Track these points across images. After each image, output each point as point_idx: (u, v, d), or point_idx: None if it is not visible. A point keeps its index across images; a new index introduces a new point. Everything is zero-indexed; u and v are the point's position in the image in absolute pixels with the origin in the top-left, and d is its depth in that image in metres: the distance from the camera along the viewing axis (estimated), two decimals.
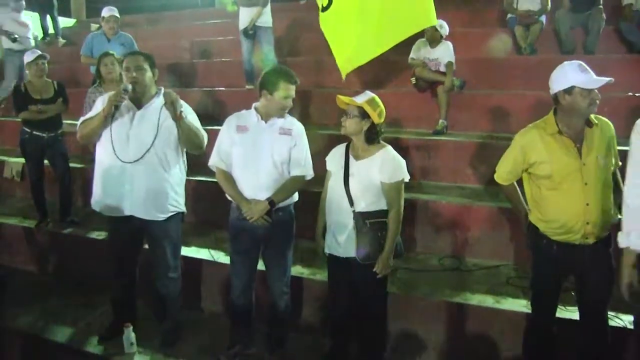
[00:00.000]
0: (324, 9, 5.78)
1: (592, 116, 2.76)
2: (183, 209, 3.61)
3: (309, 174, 3.30)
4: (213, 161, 3.32)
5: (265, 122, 3.22)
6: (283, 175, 3.22)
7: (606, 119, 2.84)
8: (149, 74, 3.40)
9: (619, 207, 2.69)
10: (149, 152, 3.33)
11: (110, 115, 3.30)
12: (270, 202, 3.14)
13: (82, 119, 3.50)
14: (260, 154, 3.18)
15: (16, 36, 7.40)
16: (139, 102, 3.40)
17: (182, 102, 3.47)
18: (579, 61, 2.74)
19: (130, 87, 3.30)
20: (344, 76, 5.75)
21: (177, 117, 3.28)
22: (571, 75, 2.68)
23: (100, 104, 3.40)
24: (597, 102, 2.67)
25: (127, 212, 3.42)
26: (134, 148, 3.32)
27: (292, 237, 3.41)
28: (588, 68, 2.68)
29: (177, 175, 3.52)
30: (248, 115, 3.28)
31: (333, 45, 5.71)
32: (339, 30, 5.68)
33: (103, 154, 3.41)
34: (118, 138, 3.33)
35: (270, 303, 3.45)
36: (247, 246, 3.34)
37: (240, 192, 3.21)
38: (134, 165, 3.32)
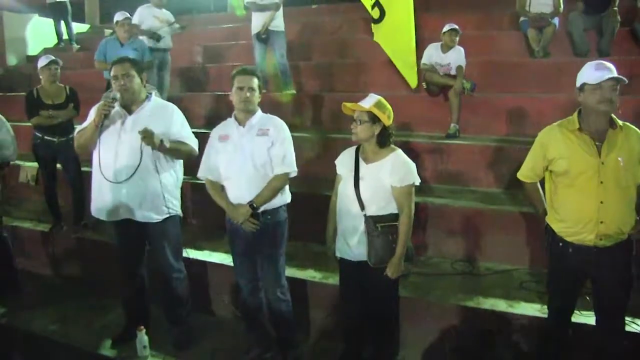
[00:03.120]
0: (376, 20, 5.99)
1: (618, 120, 2.74)
2: (179, 211, 3.64)
3: (292, 170, 3.28)
4: (201, 173, 3.40)
5: (244, 126, 3.25)
6: (267, 176, 3.22)
7: (635, 128, 2.81)
8: (137, 79, 3.44)
9: None
10: (142, 157, 3.36)
11: (100, 125, 3.33)
12: (251, 205, 3.17)
13: (78, 128, 3.56)
14: (241, 159, 3.20)
15: (162, 35, 6.82)
16: (129, 108, 3.45)
17: (170, 106, 3.60)
18: (600, 60, 2.74)
19: (118, 95, 3.35)
20: (413, 86, 5.89)
21: (158, 149, 3.34)
22: (585, 73, 2.72)
23: (93, 113, 3.43)
24: (611, 100, 2.64)
25: (124, 216, 3.46)
26: (128, 154, 3.36)
27: (283, 240, 3.40)
28: (607, 67, 2.66)
29: (171, 177, 3.55)
30: (229, 123, 3.34)
31: (393, 56, 5.87)
32: (397, 41, 5.85)
33: (99, 161, 3.43)
34: (111, 146, 3.37)
35: (270, 308, 3.46)
36: (242, 248, 3.38)
37: (225, 199, 3.28)
38: (128, 170, 3.35)
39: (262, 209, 3.22)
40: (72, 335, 4.01)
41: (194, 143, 3.56)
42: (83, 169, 5.31)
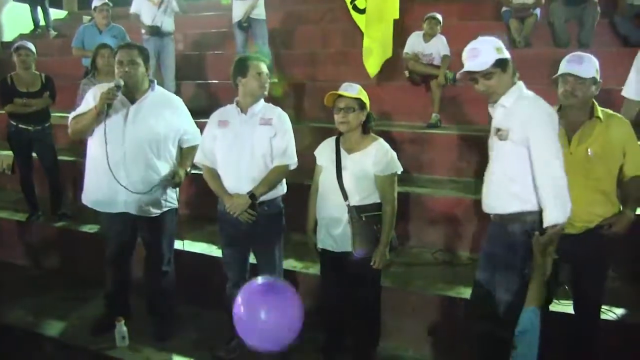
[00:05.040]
0: (361, 10, 6.02)
1: (601, 111, 2.77)
2: (176, 204, 3.60)
3: (293, 162, 3.25)
4: (198, 158, 3.36)
5: (245, 114, 3.20)
6: (266, 166, 3.18)
7: (624, 119, 2.84)
8: (142, 68, 3.35)
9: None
10: (144, 150, 3.32)
11: (103, 113, 3.24)
12: (251, 195, 3.12)
13: (73, 113, 3.46)
14: (241, 147, 3.15)
15: (158, 25, 6.40)
16: (132, 96, 3.35)
17: (176, 98, 3.60)
18: (580, 53, 2.79)
19: (122, 82, 3.25)
20: (372, 75, 5.91)
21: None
22: (561, 62, 2.80)
23: (91, 98, 3.35)
24: (574, 93, 2.72)
25: (122, 209, 3.40)
26: (129, 145, 3.29)
27: (281, 231, 3.38)
28: (577, 59, 2.74)
29: (171, 170, 3.49)
30: (230, 109, 3.27)
31: (366, 47, 5.90)
32: (370, 33, 5.91)
33: (97, 150, 3.36)
34: (112, 135, 3.27)
35: None
36: (234, 239, 3.33)
37: (223, 187, 3.21)
38: (129, 162, 3.30)
39: (259, 200, 3.18)
40: (50, 326, 3.95)
41: (199, 136, 3.54)
42: (59, 157, 5.25)
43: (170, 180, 3.40)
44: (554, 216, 2.46)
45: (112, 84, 3.24)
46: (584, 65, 2.71)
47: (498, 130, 2.63)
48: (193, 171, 4.75)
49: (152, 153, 3.37)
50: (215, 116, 3.30)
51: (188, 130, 3.55)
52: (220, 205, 3.29)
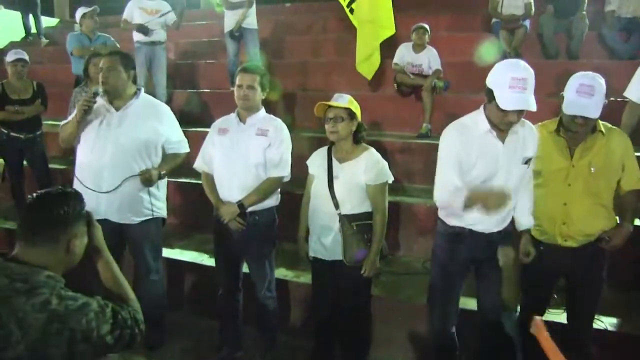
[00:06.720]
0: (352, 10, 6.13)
1: (602, 125, 2.77)
2: (163, 214, 3.58)
3: (286, 174, 3.27)
4: (197, 164, 3.39)
5: (244, 123, 3.23)
6: (259, 177, 3.20)
7: (623, 133, 2.86)
8: (123, 75, 3.33)
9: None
10: (127, 157, 3.31)
11: (83, 120, 3.25)
12: (240, 205, 3.14)
13: (62, 122, 3.47)
14: (236, 156, 3.18)
15: (150, 28, 6.31)
16: (116, 103, 3.35)
17: (162, 105, 3.58)
18: (588, 77, 2.65)
19: (100, 90, 3.26)
20: (369, 78, 5.99)
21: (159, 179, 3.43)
22: (570, 87, 2.68)
23: (75, 108, 3.36)
24: (582, 128, 2.66)
25: (103, 216, 3.36)
26: (114, 151, 3.28)
27: (273, 240, 3.39)
28: (591, 90, 2.59)
29: (146, 168, 3.44)
30: (231, 118, 3.31)
31: (359, 49, 5.98)
32: (360, 36, 5.99)
33: (81, 157, 3.37)
34: (97, 143, 3.28)
35: (257, 306, 3.44)
36: (226, 247, 3.35)
37: (217, 194, 3.25)
38: (111, 170, 3.29)
39: (250, 209, 3.19)
40: None
41: (184, 145, 3.57)
42: (51, 165, 5.23)
43: (142, 175, 3.32)
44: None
45: (90, 91, 3.27)
46: (594, 99, 2.58)
47: (529, 159, 2.69)
48: (182, 180, 4.78)
49: (140, 159, 3.35)
50: (217, 124, 3.35)
51: (171, 139, 3.51)
52: (215, 212, 3.31)
